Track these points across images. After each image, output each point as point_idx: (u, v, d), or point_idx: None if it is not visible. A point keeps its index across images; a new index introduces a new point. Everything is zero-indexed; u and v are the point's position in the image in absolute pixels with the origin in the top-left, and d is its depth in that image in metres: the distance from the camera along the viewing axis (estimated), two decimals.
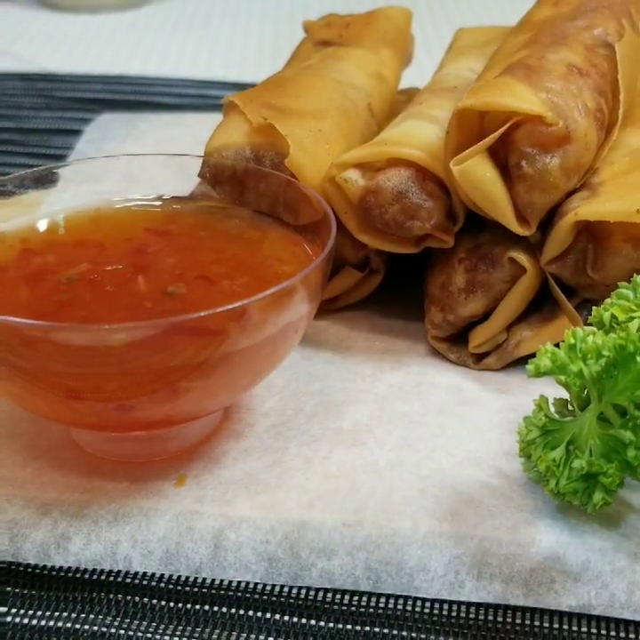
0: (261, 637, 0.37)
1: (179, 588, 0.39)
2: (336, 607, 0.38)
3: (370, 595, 0.38)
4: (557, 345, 0.40)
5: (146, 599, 0.39)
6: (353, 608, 0.38)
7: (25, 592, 0.39)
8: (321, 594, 0.39)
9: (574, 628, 0.37)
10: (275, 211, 0.48)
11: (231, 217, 0.49)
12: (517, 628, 0.37)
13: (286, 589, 0.39)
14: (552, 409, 0.40)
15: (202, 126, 0.59)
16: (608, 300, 0.43)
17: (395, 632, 0.37)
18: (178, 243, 0.46)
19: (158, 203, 0.49)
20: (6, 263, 0.45)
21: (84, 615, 0.38)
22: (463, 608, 0.38)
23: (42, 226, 0.47)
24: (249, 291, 0.39)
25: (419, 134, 0.50)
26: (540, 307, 0.50)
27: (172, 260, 0.45)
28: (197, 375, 0.39)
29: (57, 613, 0.38)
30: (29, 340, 0.37)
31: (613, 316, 0.42)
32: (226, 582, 0.39)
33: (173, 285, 0.42)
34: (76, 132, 0.78)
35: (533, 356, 0.40)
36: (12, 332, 0.37)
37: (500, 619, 0.38)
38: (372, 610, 0.38)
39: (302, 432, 0.45)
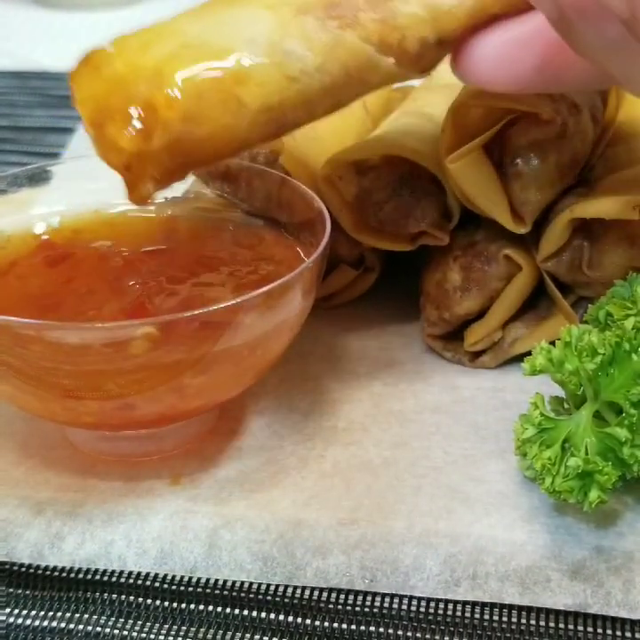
0: (257, 637, 0.37)
1: (173, 587, 0.39)
2: (331, 606, 0.38)
3: (365, 594, 0.38)
4: (553, 343, 0.39)
5: (140, 599, 0.39)
6: (348, 607, 0.38)
7: (19, 592, 0.39)
8: (316, 593, 0.38)
9: (570, 627, 0.37)
10: (269, 209, 0.48)
11: (226, 215, 0.49)
12: (513, 626, 0.37)
13: (281, 589, 0.39)
14: (548, 407, 0.40)
15: None
16: (604, 298, 0.42)
17: (390, 631, 0.37)
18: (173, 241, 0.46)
19: (152, 207, 0.49)
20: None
21: (78, 615, 0.38)
22: (459, 607, 0.38)
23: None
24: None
25: (414, 131, 0.50)
26: (536, 305, 0.50)
27: (166, 259, 0.44)
28: (193, 374, 0.39)
29: (51, 613, 0.38)
30: (23, 338, 0.37)
31: (609, 314, 0.42)
32: (221, 582, 0.39)
33: (169, 285, 0.42)
34: (70, 130, 0.78)
35: (529, 354, 0.40)
36: (5, 331, 0.37)
37: (495, 617, 0.37)
38: (367, 609, 0.38)
39: (297, 430, 0.45)
